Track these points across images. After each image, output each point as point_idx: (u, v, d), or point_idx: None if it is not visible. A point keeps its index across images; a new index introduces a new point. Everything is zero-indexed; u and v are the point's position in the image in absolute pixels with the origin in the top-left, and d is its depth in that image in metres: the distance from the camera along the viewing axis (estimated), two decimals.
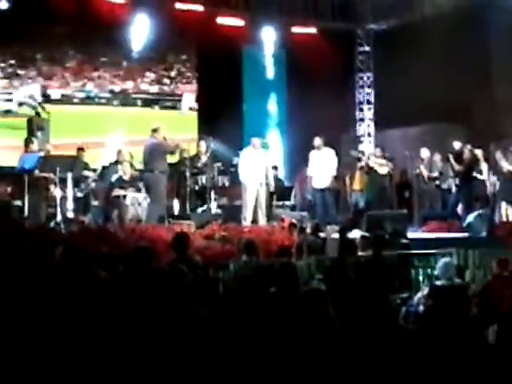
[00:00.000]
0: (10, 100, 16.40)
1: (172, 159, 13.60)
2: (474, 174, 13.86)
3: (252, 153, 13.02)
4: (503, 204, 13.74)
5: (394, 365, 4.49)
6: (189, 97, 18.43)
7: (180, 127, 17.24)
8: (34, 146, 12.70)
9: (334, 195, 14.03)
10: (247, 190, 12.71)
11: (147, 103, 17.97)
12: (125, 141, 16.29)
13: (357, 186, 14.68)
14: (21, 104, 16.30)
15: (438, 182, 14.67)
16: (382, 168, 14.62)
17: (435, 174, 14.71)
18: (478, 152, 14.13)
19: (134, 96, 17.87)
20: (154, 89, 18.13)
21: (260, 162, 12.94)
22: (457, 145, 14.42)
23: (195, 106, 18.32)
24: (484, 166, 14.11)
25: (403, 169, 15.41)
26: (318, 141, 13.55)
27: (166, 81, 18.34)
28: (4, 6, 14.71)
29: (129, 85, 17.80)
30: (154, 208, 12.24)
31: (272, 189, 13.17)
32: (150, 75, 18.10)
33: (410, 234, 11.04)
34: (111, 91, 17.58)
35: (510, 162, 13.61)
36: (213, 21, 17.21)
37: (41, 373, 4.27)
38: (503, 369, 4.39)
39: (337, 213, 13.82)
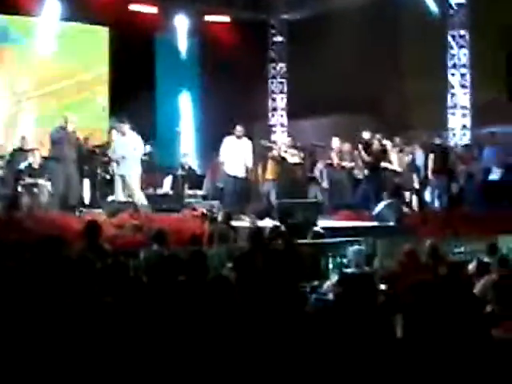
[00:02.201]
0: None
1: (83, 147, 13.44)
2: (383, 164, 14.14)
3: (121, 140, 12.60)
4: (407, 193, 14.13)
5: (300, 351, 4.54)
6: None
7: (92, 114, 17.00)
8: None
9: (247, 185, 13.99)
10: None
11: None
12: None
13: (269, 175, 14.72)
14: None
15: (348, 171, 14.87)
16: (294, 157, 14.73)
17: (345, 164, 14.90)
18: (387, 143, 14.42)
19: None
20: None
21: (129, 148, 12.62)
22: (366, 135, 14.65)
23: None
24: (393, 157, 14.39)
25: (314, 158, 15.56)
26: (239, 129, 13.31)
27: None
28: None
29: None
30: (59, 197, 12.14)
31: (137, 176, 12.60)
32: None
33: (321, 223, 11.16)
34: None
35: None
36: (126, 7, 17.04)
37: None
38: (408, 357, 4.51)
39: (249, 202, 13.81)
